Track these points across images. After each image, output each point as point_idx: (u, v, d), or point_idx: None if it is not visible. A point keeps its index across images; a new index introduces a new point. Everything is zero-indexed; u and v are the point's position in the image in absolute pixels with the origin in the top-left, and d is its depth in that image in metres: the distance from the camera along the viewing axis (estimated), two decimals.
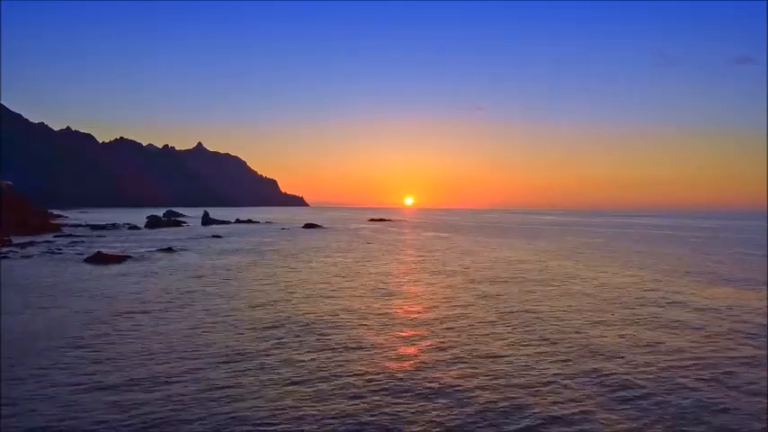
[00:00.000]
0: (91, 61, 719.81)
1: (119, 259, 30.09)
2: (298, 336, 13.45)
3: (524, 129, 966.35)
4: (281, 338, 13.16)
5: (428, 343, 12.97)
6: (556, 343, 12.94)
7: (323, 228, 76.65)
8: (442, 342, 13.00)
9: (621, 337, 13.71)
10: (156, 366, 10.74)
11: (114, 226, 70.49)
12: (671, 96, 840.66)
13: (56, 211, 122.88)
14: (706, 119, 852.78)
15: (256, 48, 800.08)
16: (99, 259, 29.56)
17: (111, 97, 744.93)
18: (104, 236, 52.94)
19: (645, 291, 21.34)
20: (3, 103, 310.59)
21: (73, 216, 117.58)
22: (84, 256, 31.05)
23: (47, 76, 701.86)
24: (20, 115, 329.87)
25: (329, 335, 13.55)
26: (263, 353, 11.82)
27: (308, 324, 14.74)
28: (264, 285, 21.83)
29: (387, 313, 16.47)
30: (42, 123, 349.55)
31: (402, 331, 14.19)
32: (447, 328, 14.45)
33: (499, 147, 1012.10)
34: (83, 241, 44.75)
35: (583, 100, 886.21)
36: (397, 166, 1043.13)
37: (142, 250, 37.52)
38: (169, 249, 37.10)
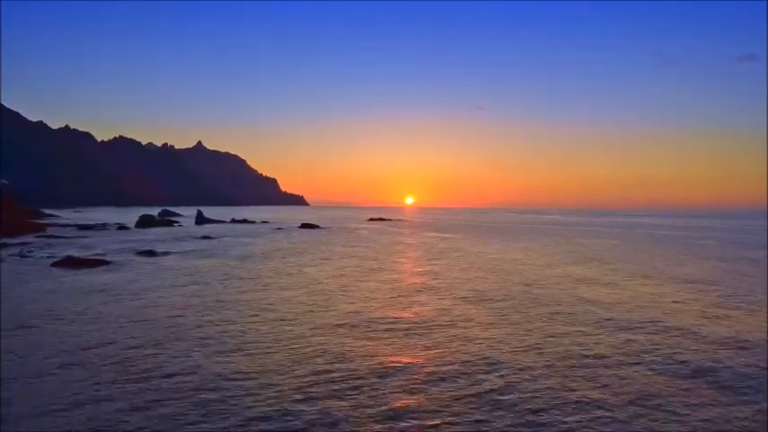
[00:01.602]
0: (89, 60, 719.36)
1: (89, 264, 27.70)
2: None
3: (524, 128, 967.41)
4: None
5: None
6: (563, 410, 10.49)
7: (320, 228, 74.23)
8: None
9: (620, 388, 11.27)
10: None
11: (104, 226, 68.17)
12: (672, 96, 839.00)
13: (48, 211, 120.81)
14: (707, 118, 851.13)
15: (256, 47, 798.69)
16: (67, 264, 27.21)
17: (109, 96, 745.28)
18: (88, 236, 50.55)
19: (668, 311, 18.91)
20: (1, 101, 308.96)
21: (66, 215, 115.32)
22: (54, 260, 28.71)
23: (45, 75, 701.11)
24: (18, 114, 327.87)
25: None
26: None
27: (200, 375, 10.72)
28: (213, 306, 19.36)
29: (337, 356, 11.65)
30: (41, 122, 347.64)
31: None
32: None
33: (499, 146, 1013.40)
34: (62, 243, 42.38)
35: (583, 100, 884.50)
36: (397, 166, 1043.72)
37: (122, 253, 35.19)
38: (150, 252, 34.73)
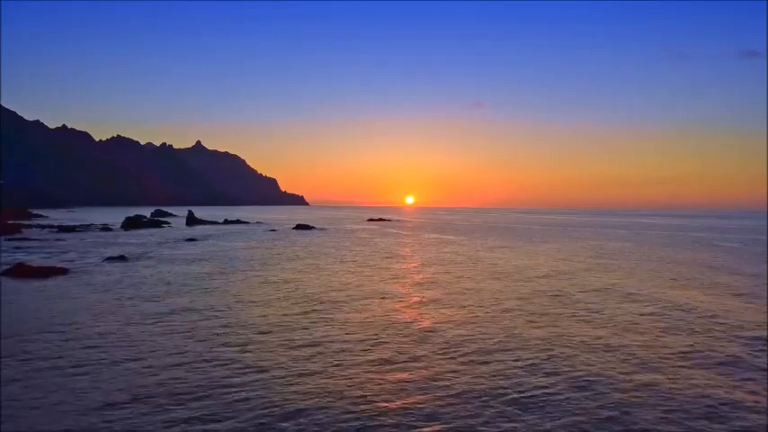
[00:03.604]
0: (87, 59, 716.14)
1: (42, 273, 24.20)
2: None
3: (525, 127, 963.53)
4: None
5: None
6: None
7: (315, 229, 70.82)
8: None
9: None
10: None
11: (87, 227, 64.70)
12: (674, 94, 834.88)
13: (39, 211, 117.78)
14: (709, 116, 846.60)
15: (256, 47, 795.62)
16: (16, 273, 23.77)
17: (107, 95, 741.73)
18: (65, 239, 47.03)
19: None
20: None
21: (56, 216, 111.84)
22: (5, 268, 25.29)
23: (42, 74, 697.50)
24: (14, 113, 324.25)
25: None
26: None
27: None
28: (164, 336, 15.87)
29: None
30: (38, 121, 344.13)
31: None
32: None
33: (500, 145, 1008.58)
34: (31, 247, 38.96)
35: (584, 97, 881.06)
36: (397, 165, 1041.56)
37: (91, 258, 31.79)
38: (121, 258, 31.25)
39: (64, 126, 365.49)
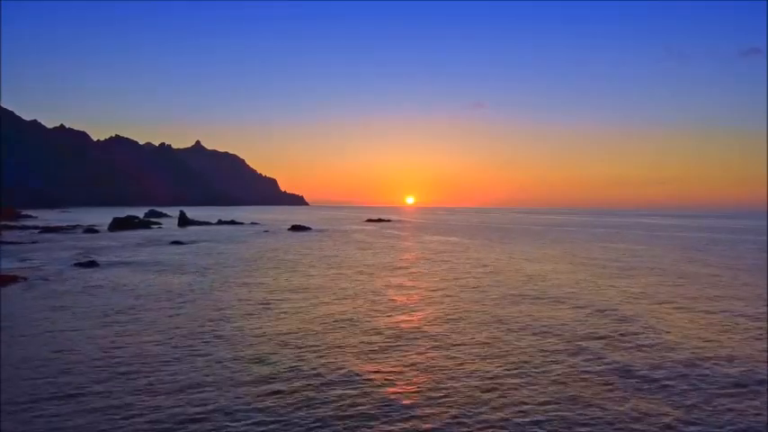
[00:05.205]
0: (85, 58, 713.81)
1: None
2: None
3: (525, 127, 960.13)
4: None
5: None
6: None
7: (311, 230, 68.42)
8: None
9: None
10: None
11: (72, 228, 62.34)
12: (674, 94, 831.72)
13: (30, 212, 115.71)
14: (711, 116, 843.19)
15: (255, 46, 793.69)
16: None
17: (106, 95, 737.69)
18: (42, 242, 44.57)
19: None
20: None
21: (48, 216, 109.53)
22: None
23: (40, 73, 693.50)
24: (12, 113, 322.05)
25: None
26: None
27: None
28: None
29: None
30: (35, 121, 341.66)
31: None
32: None
33: (500, 144, 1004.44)
34: (2, 250, 36.55)
35: (585, 97, 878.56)
36: (398, 165, 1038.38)
37: (60, 263, 29.33)
38: (91, 263, 28.77)
39: (62, 126, 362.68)
